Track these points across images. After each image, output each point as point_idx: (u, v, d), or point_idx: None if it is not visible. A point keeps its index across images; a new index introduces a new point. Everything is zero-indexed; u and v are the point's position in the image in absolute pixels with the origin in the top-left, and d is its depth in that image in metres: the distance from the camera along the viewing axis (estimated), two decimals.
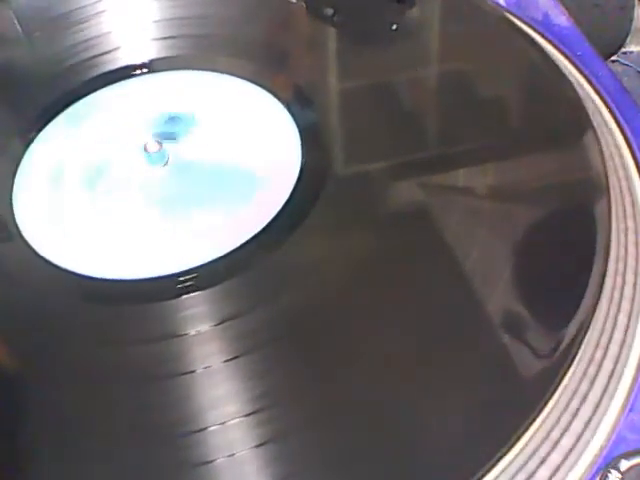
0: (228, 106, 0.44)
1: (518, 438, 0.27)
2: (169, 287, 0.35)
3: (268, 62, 0.46)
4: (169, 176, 0.41)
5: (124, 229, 0.39)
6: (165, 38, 0.49)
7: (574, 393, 0.29)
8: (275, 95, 0.44)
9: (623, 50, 0.62)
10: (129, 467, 0.28)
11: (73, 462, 0.29)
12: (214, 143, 0.42)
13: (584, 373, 0.30)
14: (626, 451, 0.28)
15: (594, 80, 0.43)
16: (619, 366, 0.30)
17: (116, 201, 0.40)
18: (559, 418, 0.29)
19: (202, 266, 0.35)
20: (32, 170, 0.42)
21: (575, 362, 0.30)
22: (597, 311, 0.31)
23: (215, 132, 0.43)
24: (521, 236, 0.34)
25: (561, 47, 0.45)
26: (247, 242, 0.36)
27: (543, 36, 0.46)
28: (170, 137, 0.42)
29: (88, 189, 0.41)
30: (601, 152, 0.37)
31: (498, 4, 0.49)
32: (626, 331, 0.31)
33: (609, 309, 0.32)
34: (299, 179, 0.38)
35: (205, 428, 0.29)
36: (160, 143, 0.41)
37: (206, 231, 0.38)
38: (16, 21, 0.52)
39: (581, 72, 0.43)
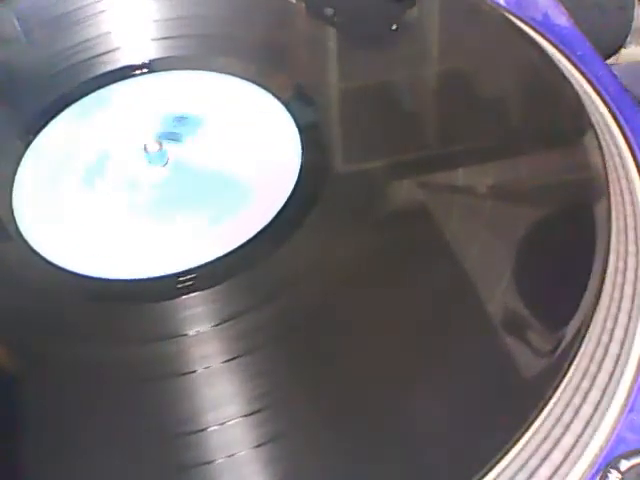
0: (228, 106, 0.44)
1: (518, 438, 0.27)
2: (169, 287, 0.35)
3: (268, 62, 0.46)
4: (169, 176, 0.41)
5: (124, 229, 0.39)
6: (165, 38, 0.49)
7: (574, 393, 0.29)
8: (275, 95, 0.44)
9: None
10: (129, 468, 0.28)
11: (73, 462, 0.29)
12: (214, 143, 0.42)
13: (584, 373, 0.30)
14: (626, 451, 0.28)
15: (594, 80, 0.43)
16: (619, 366, 0.30)
17: (116, 201, 0.40)
18: (559, 418, 0.29)
19: (202, 266, 0.35)
20: (32, 170, 0.42)
21: (575, 361, 0.30)
22: (597, 311, 0.31)
23: (215, 132, 0.43)
24: (521, 235, 0.34)
25: (561, 47, 0.45)
26: (247, 242, 0.36)
27: (543, 36, 0.46)
28: (174, 138, 0.42)
29: (88, 189, 0.41)
30: (601, 151, 0.37)
31: (498, 4, 0.49)
32: (626, 330, 0.31)
33: (609, 308, 0.32)
34: (299, 179, 0.38)
35: (205, 428, 0.29)
36: (160, 143, 0.41)
37: (206, 231, 0.38)
38: (16, 21, 0.52)
39: (581, 72, 0.43)
